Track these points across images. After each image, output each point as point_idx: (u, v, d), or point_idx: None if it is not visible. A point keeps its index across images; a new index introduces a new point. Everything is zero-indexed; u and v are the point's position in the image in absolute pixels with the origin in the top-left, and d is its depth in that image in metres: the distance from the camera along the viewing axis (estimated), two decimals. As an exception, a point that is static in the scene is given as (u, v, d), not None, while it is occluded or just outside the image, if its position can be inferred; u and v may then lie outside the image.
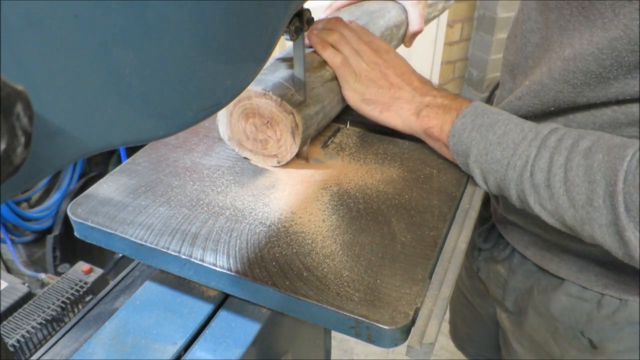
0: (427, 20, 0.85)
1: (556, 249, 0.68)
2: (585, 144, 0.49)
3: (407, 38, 0.81)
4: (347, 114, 0.71)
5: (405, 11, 0.80)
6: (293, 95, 0.58)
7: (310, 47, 0.67)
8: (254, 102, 0.59)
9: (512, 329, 0.79)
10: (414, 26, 0.80)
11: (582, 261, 0.66)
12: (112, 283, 0.63)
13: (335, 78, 0.66)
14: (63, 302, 0.97)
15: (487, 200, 0.79)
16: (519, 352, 0.78)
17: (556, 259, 0.68)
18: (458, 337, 1.06)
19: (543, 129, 0.53)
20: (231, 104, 0.60)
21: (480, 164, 0.56)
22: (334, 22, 0.67)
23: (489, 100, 2.57)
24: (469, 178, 0.62)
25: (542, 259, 0.70)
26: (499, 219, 0.77)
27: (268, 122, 0.60)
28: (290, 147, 0.60)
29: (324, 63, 0.66)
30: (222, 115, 0.62)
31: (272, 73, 0.61)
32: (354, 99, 0.66)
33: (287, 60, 0.64)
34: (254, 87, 0.58)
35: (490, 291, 0.83)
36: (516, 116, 0.57)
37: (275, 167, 0.63)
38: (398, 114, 0.64)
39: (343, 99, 0.67)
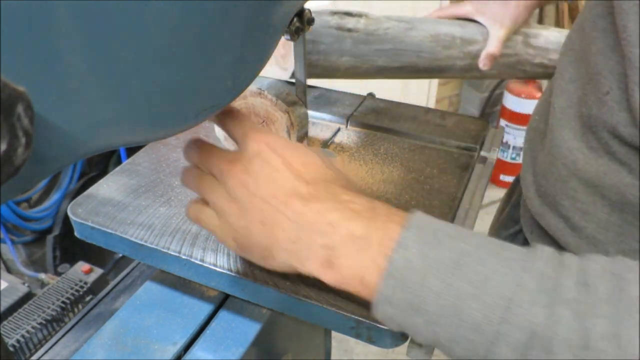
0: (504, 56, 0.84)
1: None
2: (635, 289, 0.30)
3: (481, 58, 0.81)
4: (347, 114, 0.71)
5: (487, 34, 0.81)
6: (288, 94, 0.58)
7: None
8: (249, 102, 0.59)
9: None
10: (489, 47, 0.79)
11: None
12: (112, 283, 0.63)
13: None
14: (63, 302, 0.97)
15: (517, 202, 0.74)
16: None
17: None
18: None
19: (543, 265, 0.32)
20: None
21: (440, 328, 0.33)
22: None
23: (488, 101, 2.57)
24: (470, 178, 0.62)
25: None
26: (527, 224, 0.68)
27: (263, 121, 0.60)
28: None
29: None
30: None
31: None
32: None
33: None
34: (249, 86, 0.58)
35: None
36: (484, 235, 0.37)
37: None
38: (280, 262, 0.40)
39: None
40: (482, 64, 0.80)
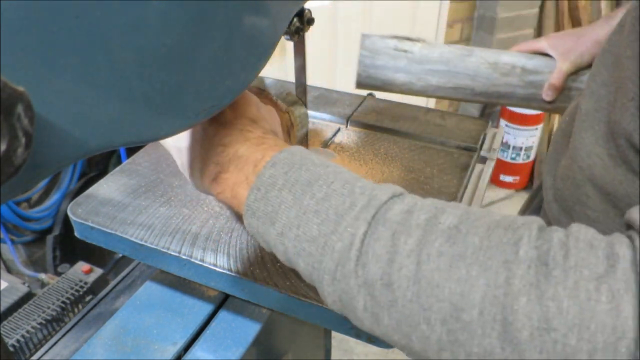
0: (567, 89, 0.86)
1: None
2: (449, 220, 0.33)
3: (544, 88, 0.83)
4: (347, 114, 0.71)
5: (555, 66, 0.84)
6: (288, 94, 0.58)
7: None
8: None
9: None
10: (551, 78, 0.81)
11: None
12: (112, 283, 0.63)
13: None
14: (63, 302, 0.97)
15: (538, 206, 0.73)
16: None
17: None
18: None
19: (380, 193, 0.35)
20: None
21: (287, 240, 0.37)
22: None
23: (489, 100, 2.57)
24: (470, 178, 0.62)
25: None
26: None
27: None
28: None
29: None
30: None
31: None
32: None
33: None
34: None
35: None
36: (348, 171, 0.38)
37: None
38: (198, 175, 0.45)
39: None
40: (545, 94, 0.83)
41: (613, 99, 0.50)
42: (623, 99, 0.46)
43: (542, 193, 0.70)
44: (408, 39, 0.84)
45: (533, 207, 0.75)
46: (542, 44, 0.86)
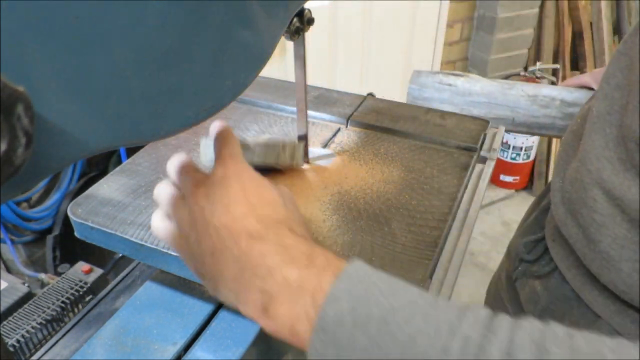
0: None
1: (598, 281, 0.57)
2: None
3: None
4: (347, 114, 0.71)
5: None
6: (284, 146, 0.61)
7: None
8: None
9: None
10: None
11: (621, 303, 0.55)
12: (112, 283, 0.63)
13: None
14: (63, 302, 0.97)
15: (546, 208, 0.73)
16: None
17: (595, 291, 0.58)
18: None
19: (469, 330, 0.31)
20: None
21: None
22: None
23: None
24: (470, 178, 0.62)
25: (581, 285, 0.60)
26: (550, 231, 0.67)
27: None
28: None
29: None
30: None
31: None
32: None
33: None
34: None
35: (523, 304, 0.76)
36: (418, 291, 0.35)
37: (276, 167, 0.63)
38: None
39: None
40: None
41: (626, 102, 0.49)
42: (634, 101, 0.46)
43: (550, 195, 0.70)
44: (453, 74, 0.94)
45: (541, 209, 0.75)
46: (586, 79, 0.89)
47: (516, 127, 0.92)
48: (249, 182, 0.40)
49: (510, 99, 0.89)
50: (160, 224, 0.43)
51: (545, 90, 0.89)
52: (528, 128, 0.92)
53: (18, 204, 1.70)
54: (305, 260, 0.36)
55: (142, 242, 0.52)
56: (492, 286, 0.92)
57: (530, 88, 0.90)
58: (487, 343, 0.30)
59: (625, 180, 0.48)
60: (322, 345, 0.33)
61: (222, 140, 0.43)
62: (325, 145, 0.68)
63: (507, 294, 0.84)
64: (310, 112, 0.72)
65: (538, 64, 2.38)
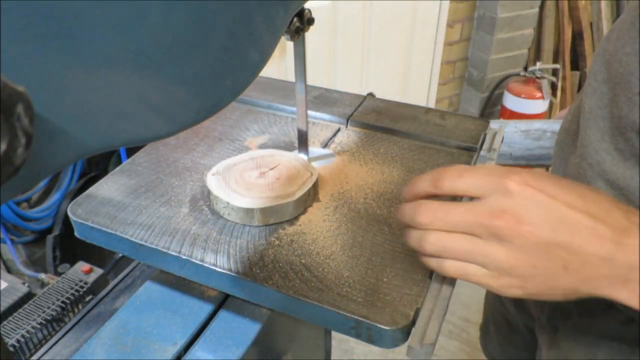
0: None
1: None
2: None
3: None
4: (347, 114, 0.71)
5: None
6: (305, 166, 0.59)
7: None
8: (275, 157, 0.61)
9: (548, 346, 0.69)
10: None
11: None
12: (112, 283, 0.63)
13: None
14: (63, 302, 0.97)
15: None
16: None
17: None
18: (488, 344, 0.97)
19: None
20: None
21: None
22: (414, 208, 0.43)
23: (488, 101, 2.57)
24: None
25: None
26: None
27: (273, 168, 0.59)
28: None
29: None
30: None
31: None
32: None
33: None
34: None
35: (526, 301, 0.76)
36: None
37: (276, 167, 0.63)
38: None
39: None
40: None
41: (614, 94, 0.50)
42: (627, 93, 0.47)
43: None
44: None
45: None
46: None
47: (515, 160, 0.97)
48: (552, 187, 0.39)
49: (506, 135, 0.95)
50: (461, 267, 0.41)
51: (536, 124, 0.97)
52: (526, 160, 0.98)
53: (18, 204, 1.70)
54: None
55: (142, 242, 0.52)
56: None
57: (522, 124, 0.97)
58: None
59: (626, 170, 0.49)
60: None
61: (462, 174, 0.41)
62: (325, 145, 0.68)
63: None
64: (310, 112, 0.72)
65: (538, 64, 2.38)
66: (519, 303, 0.81)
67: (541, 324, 0.73)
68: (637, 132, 0.46)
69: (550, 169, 0.67)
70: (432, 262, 0.42)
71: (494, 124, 0.87)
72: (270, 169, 0.58)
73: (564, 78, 2.58)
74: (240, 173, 0.58)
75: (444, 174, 0.41)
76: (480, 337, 1.01)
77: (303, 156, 0.64)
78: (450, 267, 0.42)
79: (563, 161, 0.61)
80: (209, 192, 0.56)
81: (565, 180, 0.40)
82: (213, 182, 0.56)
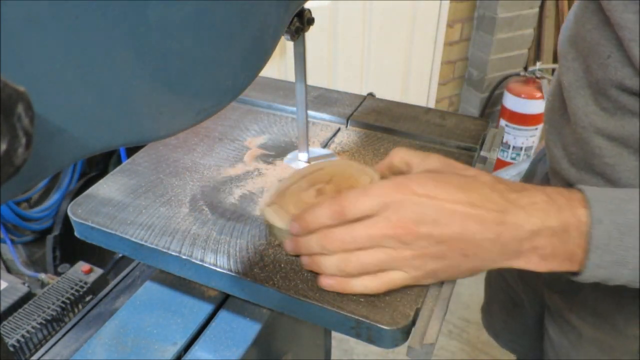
0: None
1: None
2: None
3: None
4: (347, 114, 0.71)
5: None
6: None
7: None
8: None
9: (569, 306, 0.72)
10: None
11: None
12: (112, 283, 0.63)
13: None
14: (63, 302, 0.97)
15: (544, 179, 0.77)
16: (577, 326, 0.71)
17: None
18: (492, 324, 1.03)
19: None
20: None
21: None
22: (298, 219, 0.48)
23: (488, 101, 2.57)
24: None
25: None
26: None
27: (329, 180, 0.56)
28: None
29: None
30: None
31: None
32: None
33: None
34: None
35: (533, 279, 0.79)
36: None
37: (276, 167, 0.63)
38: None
39: None
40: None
41: (586, 66, 0.57)
42: (598, 60, 0.54)
43: (539, 167, 0.81)
44: None
45: (536, 182, 0.78)
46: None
47: None
48: (427, 188, 0.44)
49: None
50: (385, 279, 0.46)
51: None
52: None
53: (18, 204, 1.70)
54: (551, 207, 0.43)
55: (142, 242, 0.52)
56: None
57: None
58: None
59: (617, 122, 0.54)
60: (599, 258, 0.42)
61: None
62: (325, 145, 0.68)
63: (513, 271, 0.87)
64: (310, 112, 0.72)
65: (538, 64, 2.38)
66: (526, 281, 0.85)
67: (559, 289, 0.75)
68: (617, 87, 0.52)
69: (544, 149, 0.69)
70: (357, 287, 0.46)
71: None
72: (326, 183, 0.54)
73: (564, 78, 2.58)
74: (297, 196, 0.53)
75: (345, 207, 0.45)
76: (482, 318, 1.06)
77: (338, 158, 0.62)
78: (373, 285, 0.46)
79: (557, 135, 0.66)
80: (270, 226, 0.52)
81: (447, 177, 0.45)
82: (272, 213, 0.52)
